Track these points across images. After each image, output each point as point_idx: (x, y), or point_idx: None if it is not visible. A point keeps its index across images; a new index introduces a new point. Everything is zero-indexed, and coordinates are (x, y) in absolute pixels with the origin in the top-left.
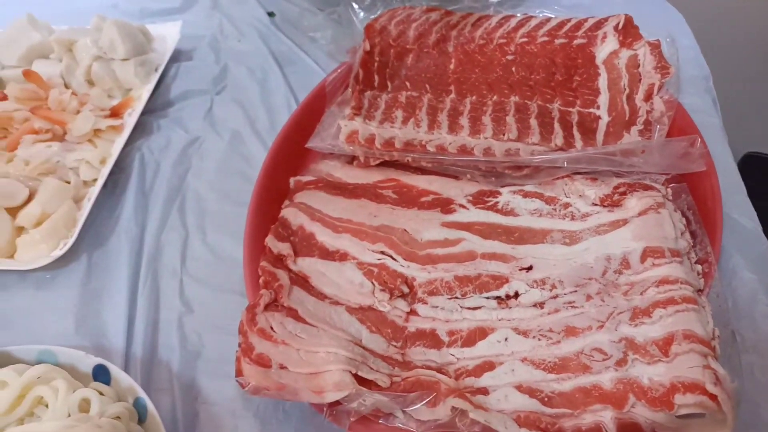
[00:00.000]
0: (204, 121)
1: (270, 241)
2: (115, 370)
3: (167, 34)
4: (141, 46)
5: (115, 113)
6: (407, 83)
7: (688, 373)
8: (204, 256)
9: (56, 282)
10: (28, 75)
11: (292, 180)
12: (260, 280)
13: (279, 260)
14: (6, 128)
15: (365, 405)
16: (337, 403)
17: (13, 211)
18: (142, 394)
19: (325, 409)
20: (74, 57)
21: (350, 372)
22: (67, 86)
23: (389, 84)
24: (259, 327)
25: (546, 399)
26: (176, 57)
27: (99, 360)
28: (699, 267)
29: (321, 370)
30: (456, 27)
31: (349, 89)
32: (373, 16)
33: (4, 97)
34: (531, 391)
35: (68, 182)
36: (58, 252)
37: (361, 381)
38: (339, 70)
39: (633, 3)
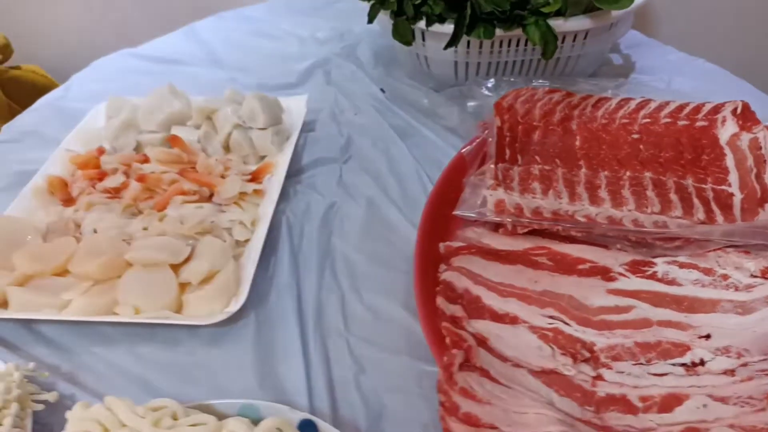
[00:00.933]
0: (338, 188)
1: (442, 303)
2: (325, 426)
3: (293, 107)
4: (276, 116)
5: (255, 178)
6: (537, 157)
7: None
8: (364, 316)
9: (228, 338)
10: (174, 140)
11: (442, 245)
12: (446, 341)
13: (454, 322)
14: (153, 189)
15: None
16: None
17: (173, 268)
18: None
19: None
20: (213, 125)
21: None
22: (204, 152)
23: (519, 158)
24: (460, 386)
25: None
26: (303, 127)
27: (305, 415)
28: None
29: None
30: (578, 107)
31: (489, 163)
32: (491, 94)
33: (146, 160)
34: None
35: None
36: (234, 308)
37: None
38: (473, 143)
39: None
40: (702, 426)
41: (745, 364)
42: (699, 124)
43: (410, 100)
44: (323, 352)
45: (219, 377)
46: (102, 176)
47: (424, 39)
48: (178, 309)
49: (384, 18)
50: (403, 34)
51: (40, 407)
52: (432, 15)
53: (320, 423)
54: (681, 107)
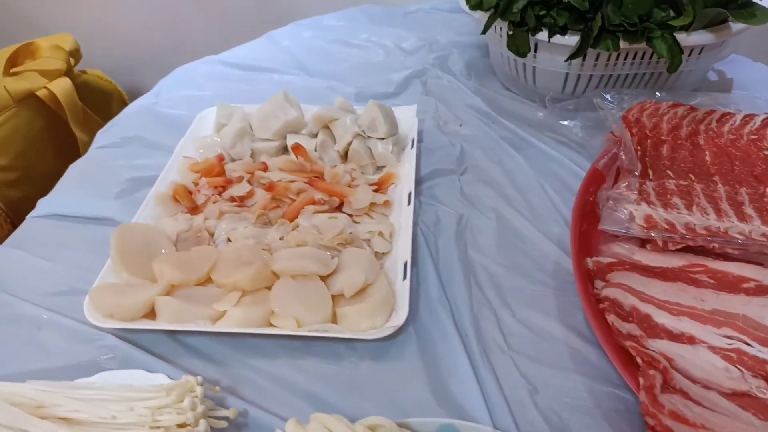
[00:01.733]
0: (462, 199)
1: (615, 321)
2: None
3: (403, 117)
4: (395, 126)
5: (379, 188)
6: (669, 172)
7: None
8: (522, 332)
9: (390, 353)
10: (297, 149)
11: (590, 261)
12: (638, 360)
13: (636, 341)
14: (280, 198)
15: None
16: None
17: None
18: None
19: None
20: (331, 133)
21: None
22: (320, 160)
23: (650, 172)
24: (669, 409)
25: None
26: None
27: None
28: None
29: None
30: (703, 122)
31: (628, 177)
32: (614, 106)
33: (266, 168)
34: None
35: None
36: (398, 322)
37: None
38: (606, 157)
39: None
40: None
41: None
42: None
43: (515, 112)
44: (491, 369)
45: (389, 392)
46: (227, 184)
47: (536, 51)
48: (334, 322)
49: (489, 31)
50: (520, 45)
51: (223, 425)
52: (554, 26)
53: None
54: None
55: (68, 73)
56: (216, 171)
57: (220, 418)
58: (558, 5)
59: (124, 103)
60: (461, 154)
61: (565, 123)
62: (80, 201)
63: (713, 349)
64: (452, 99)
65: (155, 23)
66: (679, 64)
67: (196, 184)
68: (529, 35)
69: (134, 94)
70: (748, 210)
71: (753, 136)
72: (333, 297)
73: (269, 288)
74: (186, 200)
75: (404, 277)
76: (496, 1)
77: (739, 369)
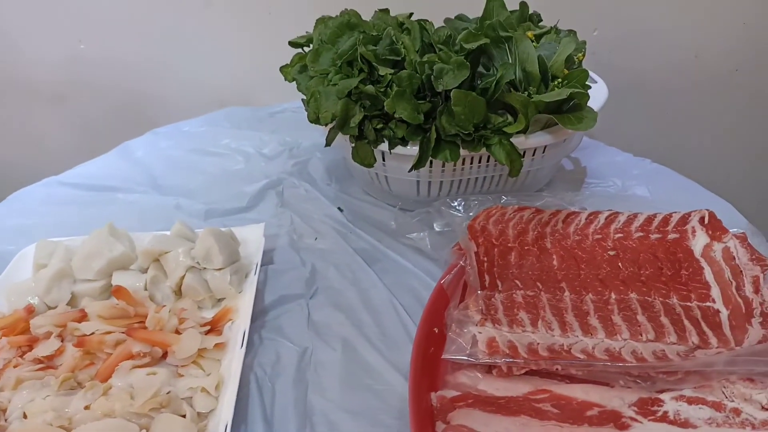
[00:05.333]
0: (309, 330)
1: None
2: None
3: (250, 237)
4: (234, 253)
5: (213, 327)
6: (517, 282)
7: None
8: None
9: None
10: (119, 292)
11: (434, 396)
12: None
13: None
14: (94, 353)
15: None
16: None
17: None
18: None
19: None
20: (162, 267)
21: None
22: (152, 299)
23: (499, 283)
24: None
25: None
26: (261, 261)
27: None
28: None
29: None
30: (549, 224)
31: (472, 297)
32: (461, 214)
33: (84, 316)
34: None
35: (183, 416)
36: None
37: None
38: (453, 272)
39: (688, 200)
40: None
41: None
42: (671, 236)
43: (373, 220)
44: None
45: None
46: (32, 342)
47: (384, 160)
48: None
49: (340, 138)
50: (364, 157)
51: None
52: (394, 138)
53: None
54: (650, 219)
55: None
56: (21, 327)
57: None
58: (395, 118)
59: None
60: (312, 274)
61: (413, 236)
62: None
63: None
64: (309, 209)
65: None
66: (520, 167)
67: None
68: (372, 147)
69: None
70: (593, 321)
71: (597, 236)
72: None
73: None
74: None
75: None
76: (331, 116)
77: None
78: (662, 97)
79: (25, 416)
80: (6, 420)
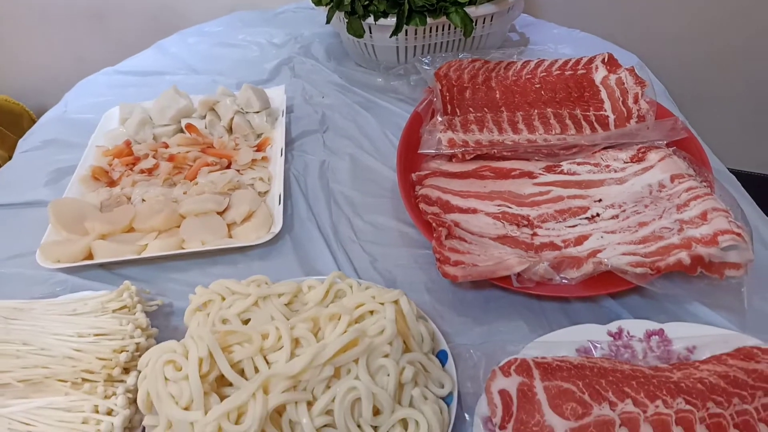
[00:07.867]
0: (325, 150)
1: (424, 207)
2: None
3: (275, 96)
4: (266, 102)
5: (259, 149)
6: (470, 109)
7: (723, 226)
8: (367, 228)
9: (273, 255)
10: (190, 128)
11: (414, 175)
12: (433, 225)
13: (435, 215)
14: (180, 166)
15: (537, 274)
16: (519, 276)
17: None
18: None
19: (514, 278)
20: (216, 114)
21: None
22: (211, 135)
23: (457, 110)
24: (449, 246)
25: (641, 255)
26: (285, 110)
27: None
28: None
29: (505, 259)
30: (494, 70)
31: (438, 115)
32: (429, 67)
33: (167, 146)
34: (630, 252)
35: None
36: (275, 229)
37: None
38: (424, 103)
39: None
40: (601, 247)
41: (624, 210)
42: (580, 72)
43: (364, 82)
44: (345, 252)
45: (275, 280)
46: (135, 161)
47: (371, 32)
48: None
49: (335, 20)
50: (356, 29)
51: (154, 308)
52: (377, 12)
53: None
54: (566, 62)
55: None
56: (125, 153)
57: (151, 305)
58: None
59: (33, 122)
60: (323, 118)
61: (396, 84)
62: (13, 192)
63: (488, 214)
64: (315, 78)
65: (55, 46)
66: (472, 30)
67: (111, 165)
68: (361, 20)
69: (42, 113)
70: (521, 126)
71: (528, 76)
72: (228, 225)
73: (179, 227)
74: (104, 177)
75: (279, 203)
76: None
77: (502, 222)
78: None
79: (143, 201)
80: (132, 204)
